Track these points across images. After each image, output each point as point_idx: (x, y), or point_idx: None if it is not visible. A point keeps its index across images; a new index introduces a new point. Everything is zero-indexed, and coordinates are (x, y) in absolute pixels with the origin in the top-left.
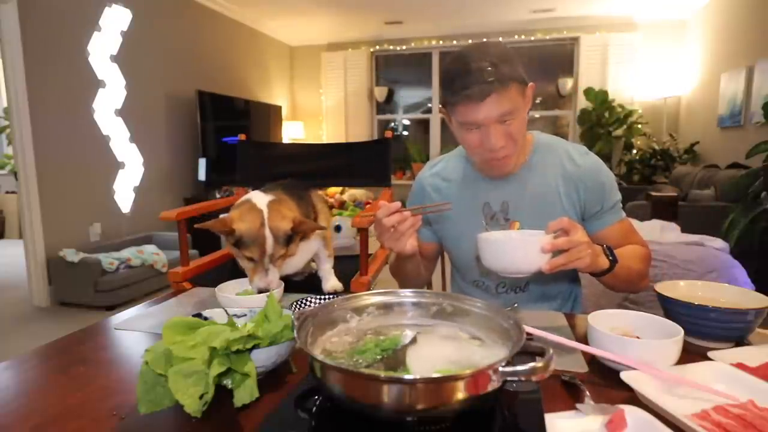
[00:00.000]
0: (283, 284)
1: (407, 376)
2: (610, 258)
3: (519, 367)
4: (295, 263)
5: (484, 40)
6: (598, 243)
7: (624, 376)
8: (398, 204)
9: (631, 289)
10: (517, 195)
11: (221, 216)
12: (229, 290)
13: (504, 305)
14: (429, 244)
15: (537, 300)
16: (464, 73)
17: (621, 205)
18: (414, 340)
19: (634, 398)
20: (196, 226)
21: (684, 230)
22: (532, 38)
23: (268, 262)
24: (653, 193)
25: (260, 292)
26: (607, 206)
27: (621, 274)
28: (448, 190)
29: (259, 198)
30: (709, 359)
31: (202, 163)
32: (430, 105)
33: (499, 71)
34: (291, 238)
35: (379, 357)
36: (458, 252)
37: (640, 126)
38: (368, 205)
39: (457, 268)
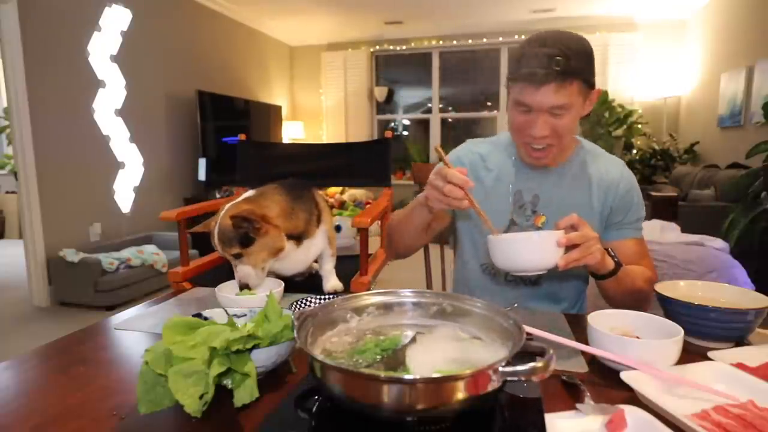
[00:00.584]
0: (282, 284)
1: (407, 376)
2: (615, 259)
3: (519, 367)
4: (299, 263)
5: (558, 30)
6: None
7: (624, 376)
8: (469, 183)
9: (631, 306)
10: (551, 191)
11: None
12: (229, 290)
13: (509, 297)
14: (446, 214)
15: (544, 299)
16: (534, 55)
17: (641, 225)
18: (414, 340)
19: (634, 398)
20: (189, 231)
21: (684, 230)
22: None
23: (233, 259)
24: (653, 193)
25: (240, 288)
26: (629, 220)
27: (624, 282)
28: (483, 171)
29: (242, 195)
30: (709, 359)
31: (202, 163)
32: (430, 105)
33: (566, 64)
34: (244, 235)
35: (379, 357)
36: (476, 232)
37: (640, 126)
38: (368, 205)
39: (466, 250)
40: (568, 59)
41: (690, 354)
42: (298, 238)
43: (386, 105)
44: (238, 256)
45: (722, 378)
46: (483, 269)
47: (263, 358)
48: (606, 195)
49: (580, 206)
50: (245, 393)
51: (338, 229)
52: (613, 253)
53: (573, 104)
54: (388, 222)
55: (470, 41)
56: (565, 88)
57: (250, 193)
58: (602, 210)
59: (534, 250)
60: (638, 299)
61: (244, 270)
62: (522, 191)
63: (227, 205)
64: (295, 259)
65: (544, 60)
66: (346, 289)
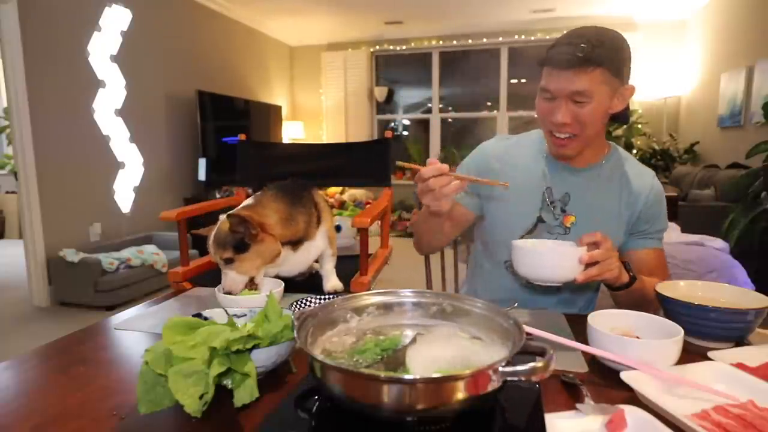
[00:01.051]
0: (283, 284)
1: (407, 376)
2: (630, 273)
3: (519, 367)
4: (299, 264)
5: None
6: (633, 263)
7: (624, 376)
8: (445, 167)
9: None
10: (581, 190)
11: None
12: None
13: (525, 299)
14: (465, 210)
15: (559, 304)
16: (563, 41)
17: (663, 236)
18: (414, 340)
19: (634, 398)
20: (192, 232)
21: (684, 230)
22: (532, 38)
23: (223, 264)
24: None
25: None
26: (652, 229)
27: (634, 294)
28: (513, 166)
29: (242, 204)
30: (709, 359)
31: (202, 163)
32: (430, 105)
33: (593, 51)
34: (240, 241)
35: (379, 357)
36: (503, 229)
37: (640, 126)
38: (368, 205)
39: (491, 246)
40: (593, 47)
41: (690, 354)
42: (296, 243)
43: (386, 105)
44: (228, 261)
45: (722, 378)
46: (506, 266)
47: (263, 358)
48: (636, 202)
49: (610, 210)
50: (245, 393)
51: (338, 229)
52: (629, 267)
53: (594, 92)
54: (412, 221)
55: (470, 41)
56: (586, 74)
57: (248, 201)
58: (630, 216)
59: (556, 263)
60: (647, 309)
61: (231, 276)
62: (552, 189)
63: (226, 214)
64: (295, 261)
65: (571, 46)
66: (346, 289)
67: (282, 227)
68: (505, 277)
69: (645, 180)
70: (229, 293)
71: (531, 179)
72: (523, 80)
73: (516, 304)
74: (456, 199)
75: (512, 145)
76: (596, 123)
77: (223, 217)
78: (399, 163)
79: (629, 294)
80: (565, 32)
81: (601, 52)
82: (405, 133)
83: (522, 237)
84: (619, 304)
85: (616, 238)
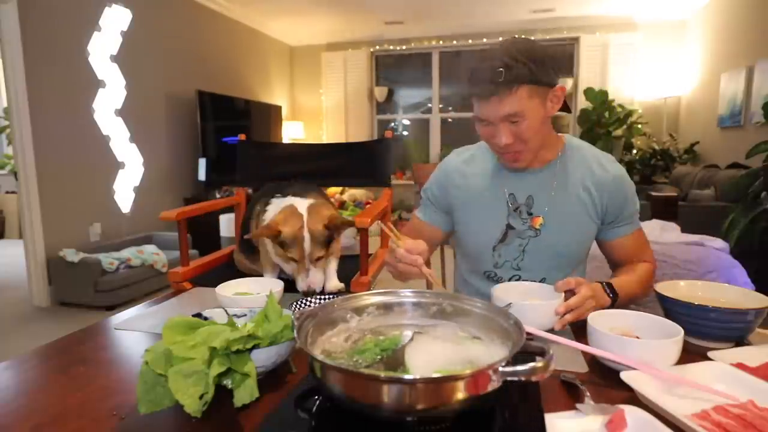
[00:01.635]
0: (282, 284)
1: (407, 376)
2: (611, 296)
3: (519, 367)
4: None
5: (517, 36)
6: (612, 251)
7: (624, 376)
8: (418, 260)
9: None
10: (543, 190)
11: (267, 222)
12: (229, 290)
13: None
14: (436, 229)
15: None
16: (477, 70)
17: (638, 215)
18: (414, 340)
19: (634, 398)
20: (245, 236)
21: (684, 230)
22: (532, 38)
23: (308, 262)
24: (653, 193)
25: (305, 294)
26: (625, 215)
27: (623, 300)
28: (474, 178)
29: (300, 203)
30: (709, 359)
31: (202, 163)
32: (430, 105)
33: (509, 73)
34: (329, 238)
35: (378, 357)
36: (476, 241)
37: (640, 126)
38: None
39: (469, 259)
40: (509, 68)
41: (690, 354)
42: None
43: (386, 105)
44: (318, 259)
45: (722, 378)
46: (486, 276)
47: (263, 358)
48: (600, 193)
49: (575, 203)
50: (245, 393)
51: None
52: (608, 290)
53: (526, 109)
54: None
55: (470, 41)
56: (511, 96)
57: (308, 201)
58: (597, 208)
59: (534, 317)
60: (641, 296)
61: (315, 274)
62: (515, 194)
63: (302, 212)
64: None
65: (486, 74)
66: (347, 289)
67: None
68: (488, 286)
69: (605, 167)
70: (312, 291)
71: (493, 189)
72: None
73: (511, 303)
74: (424, 218)
75: (470, 160)
76: (538, 133)
77: (304, 213)
78: (388, 225)
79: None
80: (475, 56)
81: (518, 70)
82: (405, 133)
83: (494, 246)
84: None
85: (587, 231)
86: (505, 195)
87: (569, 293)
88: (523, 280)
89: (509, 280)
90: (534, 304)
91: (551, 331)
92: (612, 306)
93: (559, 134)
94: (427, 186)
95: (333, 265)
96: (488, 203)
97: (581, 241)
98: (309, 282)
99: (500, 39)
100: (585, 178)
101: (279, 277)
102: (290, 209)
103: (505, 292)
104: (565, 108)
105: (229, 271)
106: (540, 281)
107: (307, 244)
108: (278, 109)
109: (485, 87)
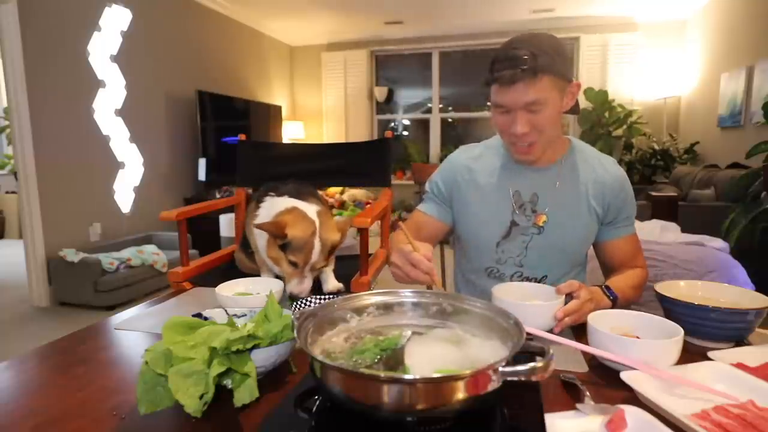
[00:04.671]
0: (282, 284)
1: (407, 376)
2: (611, 297)
3: (519, 367)
4: None
5: (532, 31)
6: (606, 253)
7: (624, 376)
8: (433, 269)
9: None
10: (548, 189)
11: (275, 219)
12: (229, 290)
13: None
14: (440, 223)
15: None
16: (503, 57)
17: (633, 221)
18: (414, 340)
19: (634, 398)
20: (255, 225)
21: (684, 230)
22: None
23: (308, 269)
24: (653, 193)
25: (291, 298)
26: (622, 217)
27: (620, 306)
28: (480, 174)
29: (307, 208)
30: (709, 359)
31: (202, 163)
32: (430, 105)
33: (534, 61)
34: (334, 248)
35: (378, 357)
36: (478, 236)
37: (640, 126)
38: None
39: (471, 255)
40: (535, 57)
41: (690, 354)
42: None
43: (386, 105)
44: (318, 268)
45: (722, 378)
46: (488, 273)
47: (263, 358)
48: (602, 194)
49: (578, 203)
50: (245, 393)
51: None
52: (608, 293)
53: (548, 99)
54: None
55: (470, 41)
56: (536, 84)
57: (314, 207)
58: (599, 209)
59: (533, 318)
60: (633, 300)
61: (310, 282)
62: (520, 191)
63: (314, 218)
64: None
65: (512, 61)
66: (347, 289)
67: None
68: (489, 283)
69: (607, 168)
70: (298, 296)
71: (498, 186)
72: None
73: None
74: (429, 212)
75: (477, 157)
76: (553, 125)
77: (315, 219)
78: (402, 226)
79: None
80: (500, 46)
81: (544, 60)
82: (405, 133)
83: (498, 242)
84: None
85: (589, 230)
86: (510, 192)
87: (569, 296)
88: (525, 277)
89: (511, 276)
90: (534, 305)
91: (551, 331)
92: (612, 308)
93: (567, 137)
94: (432, 180)
95: (330, 267)
96: (493, 199)
97: (583, 240)
98: (302, 288)
99: (520, 33)
100: (588, 178)
101: (279, 277)
102: (298, 213)
103: (504, 293)
104: (576, 108)
105: (229, 271)
106: (541, 278)
107: (316, 251)
108: (278, 109)
109: (510, 72)
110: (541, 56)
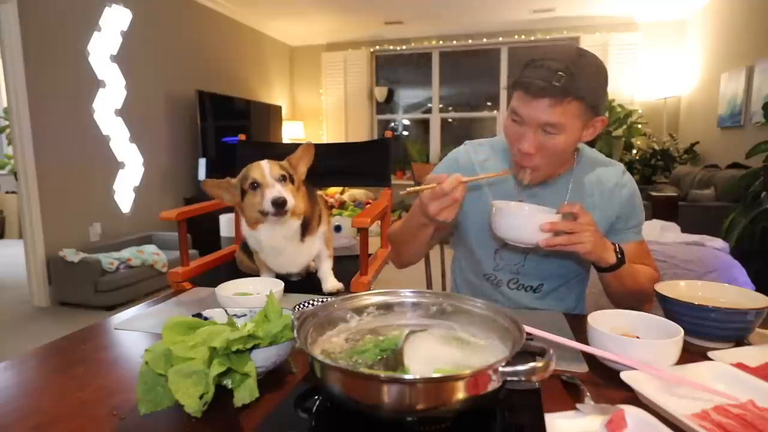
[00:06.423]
0: (283, 284)
1: (407, 376)
2: (619, 256)
3: (519, 367)
4: (296, 263)
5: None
6: None
7: (624, 376)
8: (459, 175)
9: (632, 305)
10: (555, 199)
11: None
12: (229, 290)
13: (523, 300)
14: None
15: (549, 300)
16: (539, 65)
17: (642, 228)
18: (414, 340)
19: (634, 398)
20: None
21: (684, 230)
22: (532, 38)
23: (271, 179)
24: (653, 193)
25: (275, 204)
26: (630, 225)
27: (626, 280)
28: (486, 184)
29: None
30: (709, 359)
31: (202, 163)
32: (430, 105)
33: (569, 81)
34: (289, 172)
35: (378, 357)
36: (479, 242)
37: (640, 126)
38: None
39: (469, 260)
40: (572, 75)
41: (690, 354)
42: (306, 226)
43: (386, 105)
44: (281, 179)
45: (722, 378)
46: (486, 279)
47: (263, 358)
48: (610, 202)
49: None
50: (245, 393)
51: (338, 229)
52: (618, 250)
53: (567, 126)
54: (389, 232)
55: (470, 41)
56: (562, 106)
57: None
58: (608, 217)
59: (524, 225)
60: (640, 299)
61: (281, 190)
62: (524, 201)
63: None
64: (296, 254)
65: (546, 72)
66: (347, 289)
67: (304, 198)
68: (489, 289)
69: (615, 177)
70: (283, 204)
71: (503, 194)
72: None
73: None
74: None
75: (483, 161)
76: (563, 154)
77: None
78: (410, 189)
79: (621, 281)
80: (541, 52)
81: (580, 83)
82: (405, 133)
83: (496, 250)
84: (612, 296)
85: None
86: (516, 200)
87: (569, 217)
88: (521, 284)
89: (508, 283)
90: (525, 209)
91: (552, 331)
92: (615, 268)
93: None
94: (435, 173)
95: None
96: None
97: None
98: (275, 194)
99: (572, 45)
100: (596, 188)
101: (278, 277)
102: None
103: (504, 205)
104: (594, 140)
105: (229, 271)
106: (537, 287)
107: (264, 164)
108: (278, 109)
109: (539, 84)
110: (579, 78)
